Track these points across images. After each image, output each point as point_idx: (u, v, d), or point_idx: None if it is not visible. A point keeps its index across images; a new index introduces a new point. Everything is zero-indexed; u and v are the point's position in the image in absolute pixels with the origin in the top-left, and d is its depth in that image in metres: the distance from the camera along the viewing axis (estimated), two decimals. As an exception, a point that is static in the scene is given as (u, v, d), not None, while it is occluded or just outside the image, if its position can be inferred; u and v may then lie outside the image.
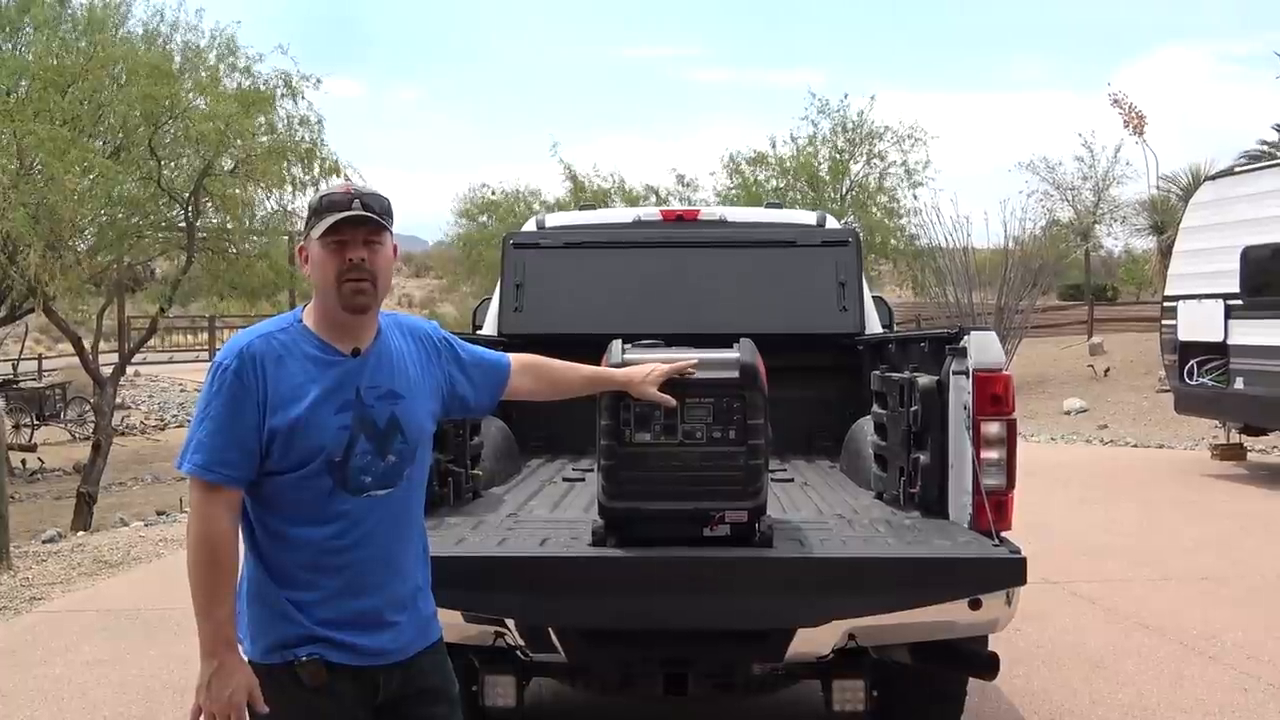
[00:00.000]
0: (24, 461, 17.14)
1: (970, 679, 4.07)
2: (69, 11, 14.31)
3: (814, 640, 3.36)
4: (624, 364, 3.22)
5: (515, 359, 2.79)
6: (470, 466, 4.32)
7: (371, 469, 2.33)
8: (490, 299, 6.37)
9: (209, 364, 2.39)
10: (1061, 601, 6.74)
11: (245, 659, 2.29)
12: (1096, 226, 31.91)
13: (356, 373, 2.35)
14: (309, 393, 2.28)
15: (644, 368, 3.11)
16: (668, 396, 3.09)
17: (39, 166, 11.86)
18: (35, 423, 19.84)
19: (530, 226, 6.56)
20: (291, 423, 2.26)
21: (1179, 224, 13.98)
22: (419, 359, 2.48)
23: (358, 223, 2.32)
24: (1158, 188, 28.04)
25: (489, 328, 5.94)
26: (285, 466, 2.27)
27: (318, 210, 2.35)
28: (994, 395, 3.58)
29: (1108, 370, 22.47)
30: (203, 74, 14.10)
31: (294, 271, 17.56)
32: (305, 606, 2.29)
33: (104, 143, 14.02)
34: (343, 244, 2.32)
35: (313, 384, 2.29)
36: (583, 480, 4.81)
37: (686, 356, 3.24)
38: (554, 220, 6.72)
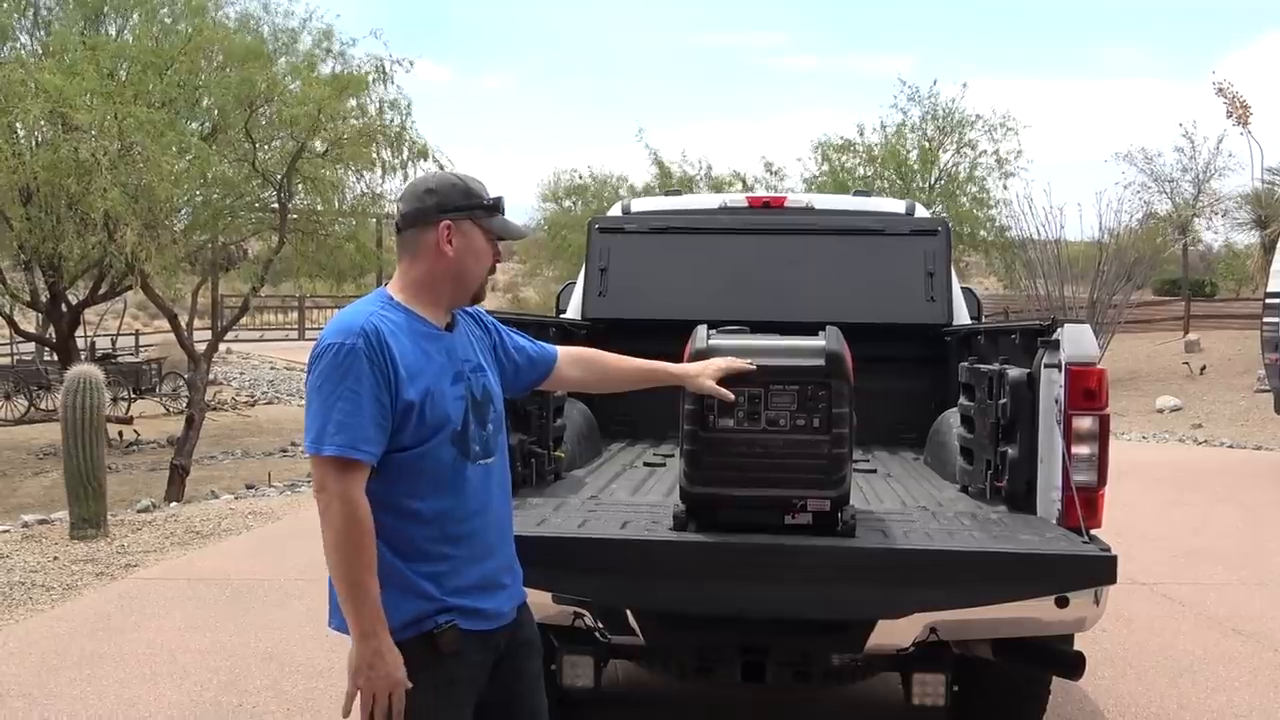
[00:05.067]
0: (121, 434, 17.67)
1: (1054, 678, 3.99)
2: None
3: (895, 632, 3.31)
4: (709, 349, 3.21)
5: (565, 351, 2.88)
6: (552, 448, 4.35)
7: (478, 438, 2.42)
8: (574, 283, 6.39)
9: (300, 342, 2.43)
10: (1151, 603, 6.58)
11: None
12: (1195, 220, 30.98)
13: (454, 346, 2.45)
14: (428, 367, 2.35)
15: (701, 363, 3.12)
16: (726, 391, 3.06)
17: (138, 148, 12.16)
18: (132, 396, 20.45)
19: (616, 211, 6.55)
20: (421, 397, 2.31)
21: (1284, 218, 13.52)
22: (480, 335, 2.60)
23: None
24: (1262, 180, 27.16)
25: (573, 311, 5.96)
26: (415, 441, 2.32)
27: (493, 206, 2.47)
28: (1087, 389, 3.50)
29: (1204, 368, 21.83)
30: (297, 57, 14.36)
31: (380, 254, 17.87)
32: (436, 578, 2.34)
33: (199, 124, 14.36)
34: (500, 245, 2.51)
35: (428, 359, 2.36)
36: (664, 465, 4.81)
37: (767, 343, 3.25)
38: (639, 205, 6.72)
